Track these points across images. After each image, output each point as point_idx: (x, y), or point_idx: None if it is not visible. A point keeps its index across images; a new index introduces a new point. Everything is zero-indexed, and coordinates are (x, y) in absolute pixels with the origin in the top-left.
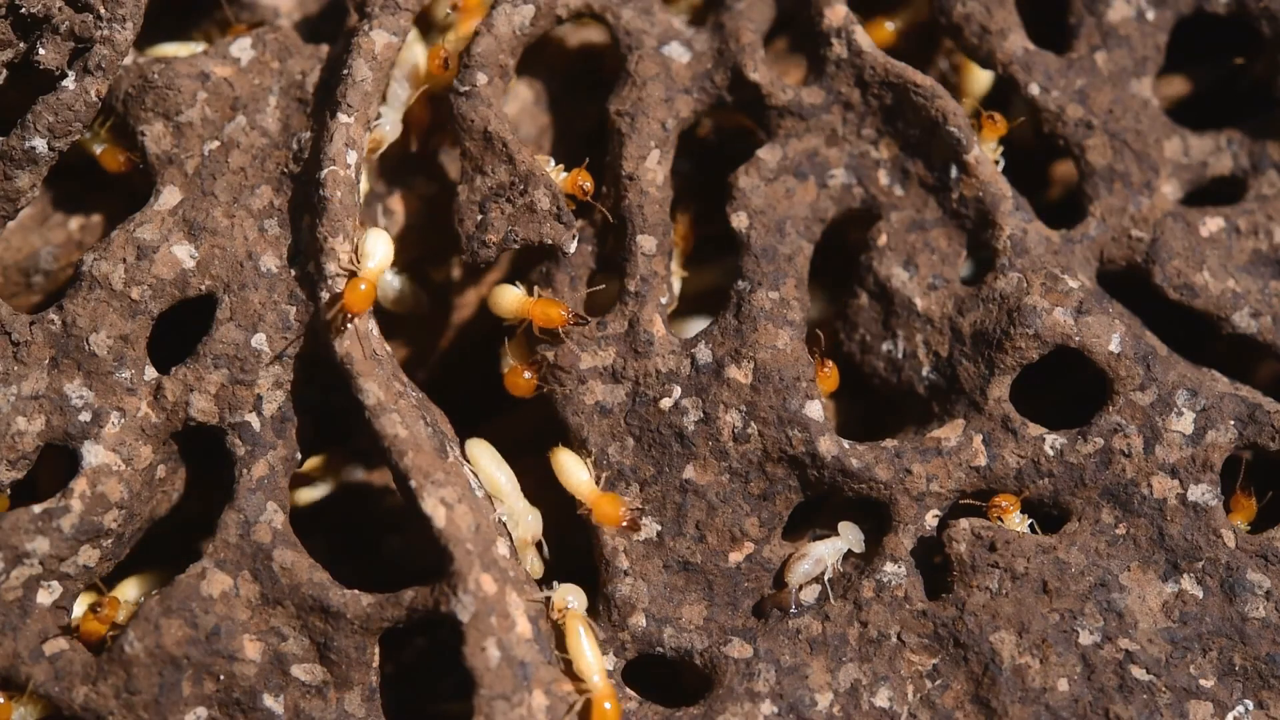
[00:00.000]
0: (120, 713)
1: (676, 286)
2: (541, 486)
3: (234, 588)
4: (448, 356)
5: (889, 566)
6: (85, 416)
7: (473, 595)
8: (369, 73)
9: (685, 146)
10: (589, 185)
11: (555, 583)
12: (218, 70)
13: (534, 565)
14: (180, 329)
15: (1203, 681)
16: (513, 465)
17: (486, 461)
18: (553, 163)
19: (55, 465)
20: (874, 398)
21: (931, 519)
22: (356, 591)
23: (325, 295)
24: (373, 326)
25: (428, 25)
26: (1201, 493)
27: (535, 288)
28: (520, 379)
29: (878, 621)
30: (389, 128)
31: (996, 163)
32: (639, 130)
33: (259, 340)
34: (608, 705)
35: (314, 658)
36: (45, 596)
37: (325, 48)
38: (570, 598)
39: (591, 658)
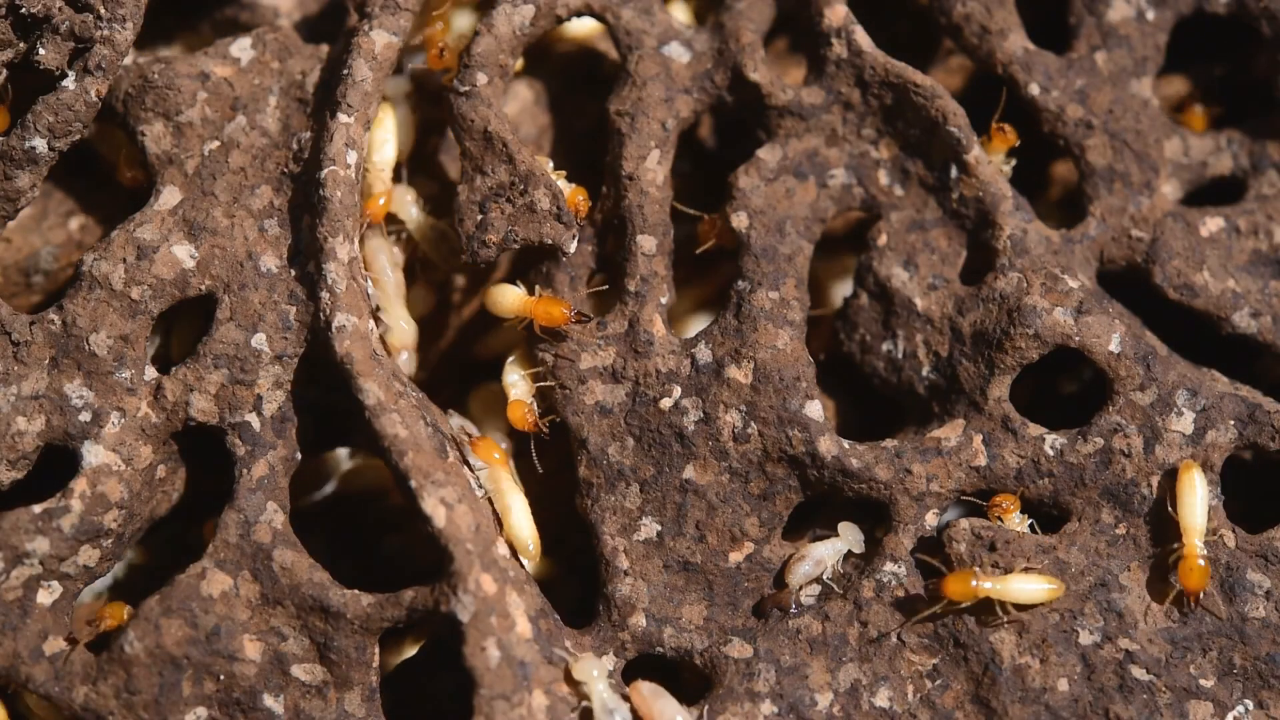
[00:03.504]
0: (120, 713)
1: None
2: (539, 490)
3: (234, 588)
4: (448, 356)
5: (889, 566)
6: (85, 416)
7: (473, 595)
8: (369, 73)
9: (685, 146)
10: (584, 207)
11: None
12: (218, 70)
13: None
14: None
15: (1203, 681)
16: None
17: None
18: (551, 165)
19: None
20: (874, 398)
21: (931, 519)
22: (356, 591)
23: (325, 295)
24: (372, 326)
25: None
26: None
27: (536, 287)
28: (521, 414)
29: (878, 621)
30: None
31: (1008, 176)
32: (639, 130)
33: (259, 340)
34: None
35: (314, 658)
36: (45, 596)
37: (325, 48)
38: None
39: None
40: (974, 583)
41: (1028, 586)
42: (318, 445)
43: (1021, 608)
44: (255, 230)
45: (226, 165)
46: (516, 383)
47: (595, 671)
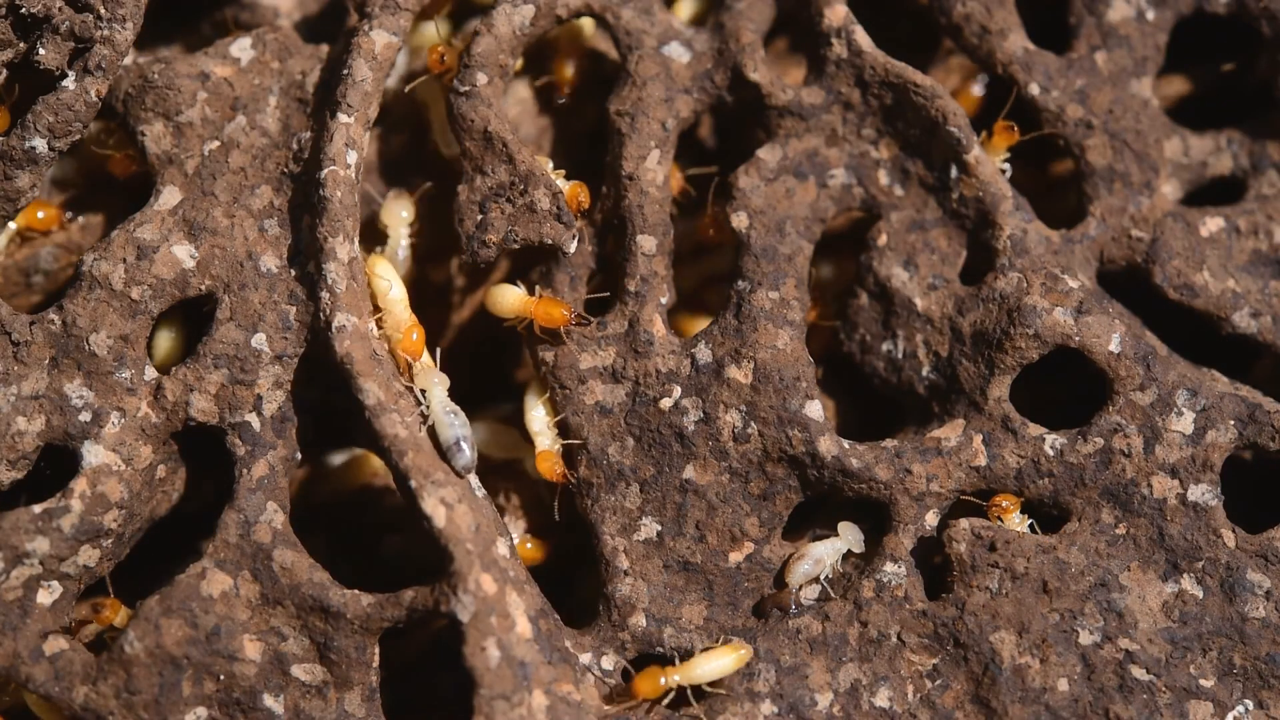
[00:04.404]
0: (120, 713)
1: None
2: (539, 490)
3: (234, 588)
4: (447, 356)
5: (889, 566)
6: (85, 416)
7: (473, 595)
8: (369, 73)
9: (685, 146)
10: (585, 201)
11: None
12: (218, 70)
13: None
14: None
15: (1203, 681)
16: (510, 464)
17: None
18: (550, 165)
19: None
20: (874, 398)
21: (931, 519)
22: (356, 591)
23: (325, 295)
24: (372, 326)
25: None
26: (1201, 493)
27: (536, 287)
28: (550, 466)
29: (878, 621)
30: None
31: (1003, 170)
32: (639, 130)
33: (259, 340)
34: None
35: (314, 658)
36: (45, 596)
37: (325, 48)
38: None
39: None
40: (662, 680)
41: (713, 665)
42: (318, 445)
43: (718, 683)
44: (255, 230)
45: (226, 165)
46: (542, 431)
47: (435, 380)
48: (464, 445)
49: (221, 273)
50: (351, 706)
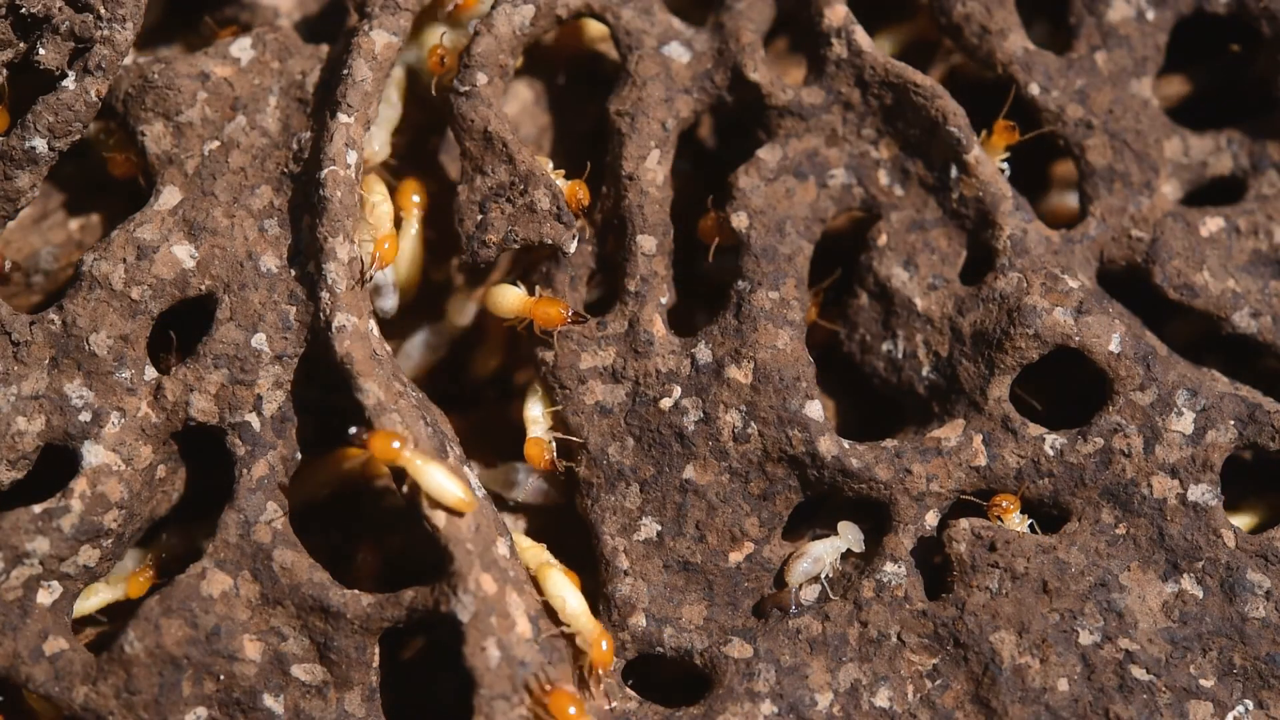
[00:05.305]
0: (120, 713)
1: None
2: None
3: (234, 588)
4: (447, 357)
5: (889, 566)
6: (85, 416)
7: (473, 595)
8: (369, 73)
9: (685, 146)
10: (585, 199)
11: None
12: (218, 70)
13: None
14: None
15: (1203, 681)
16: (507, 464)
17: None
18: (550, 165)
19: None
20: (874, 398)
21: (931, 519)
22: (356, 591)
23: (325, 295)
24: (372, 326)
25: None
26: (1201, 493)
27: (536, 287)
28: (539, 453)
29: (878, 621)
30: (378, 146)
31: (1001, 170)
32: (639, 130)
33: (259, 340)
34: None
35: (314, 658)
36: (45, 596)
37: (325, 48)
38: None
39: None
40: (395, 445)
41: (440, 480)
42: (318, 445)
43: (438, 505)
44: (255, 230)
45: (226, 165)
46: (536, 420)
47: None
48: (389, 291)
49: (221, 273)
50: (351, 706)
